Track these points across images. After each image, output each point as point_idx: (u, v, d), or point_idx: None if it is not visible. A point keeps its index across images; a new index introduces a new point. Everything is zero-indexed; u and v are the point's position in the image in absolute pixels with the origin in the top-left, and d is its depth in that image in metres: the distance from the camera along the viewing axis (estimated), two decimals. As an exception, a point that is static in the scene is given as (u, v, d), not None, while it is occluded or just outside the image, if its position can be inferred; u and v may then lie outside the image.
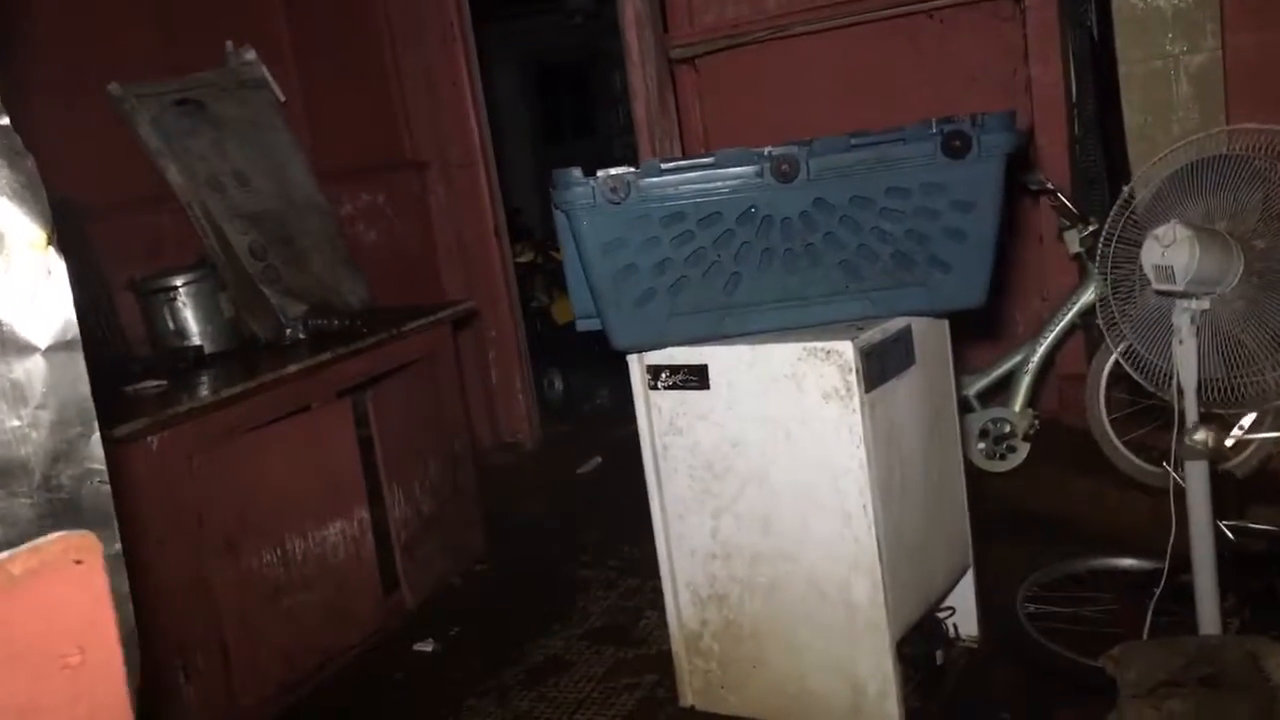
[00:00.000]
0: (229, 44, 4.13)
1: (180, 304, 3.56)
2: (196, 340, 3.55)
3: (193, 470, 2.96)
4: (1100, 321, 3.63)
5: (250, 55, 4.14)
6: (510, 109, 9.96)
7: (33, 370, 1.56)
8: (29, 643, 0.52)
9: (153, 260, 3.71)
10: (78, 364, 1.59)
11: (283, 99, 4.23)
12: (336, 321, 3.67)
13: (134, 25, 3.90)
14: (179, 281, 3.55)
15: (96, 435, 1.61)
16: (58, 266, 1.56)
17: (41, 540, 0.55)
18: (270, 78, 4.18)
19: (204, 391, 3.08)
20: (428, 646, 3.48)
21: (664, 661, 2.97)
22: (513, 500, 4.69)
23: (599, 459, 5.15)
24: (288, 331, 3.64)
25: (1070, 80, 4.02)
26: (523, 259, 6.34)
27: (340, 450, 3.44)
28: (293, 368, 3.28)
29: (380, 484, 3.61)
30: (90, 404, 1.60)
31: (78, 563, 0.57)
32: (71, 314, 1.57)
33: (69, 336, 1.57)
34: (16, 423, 1.57)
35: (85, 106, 3.62)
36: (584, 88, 11.30)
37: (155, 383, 3.18)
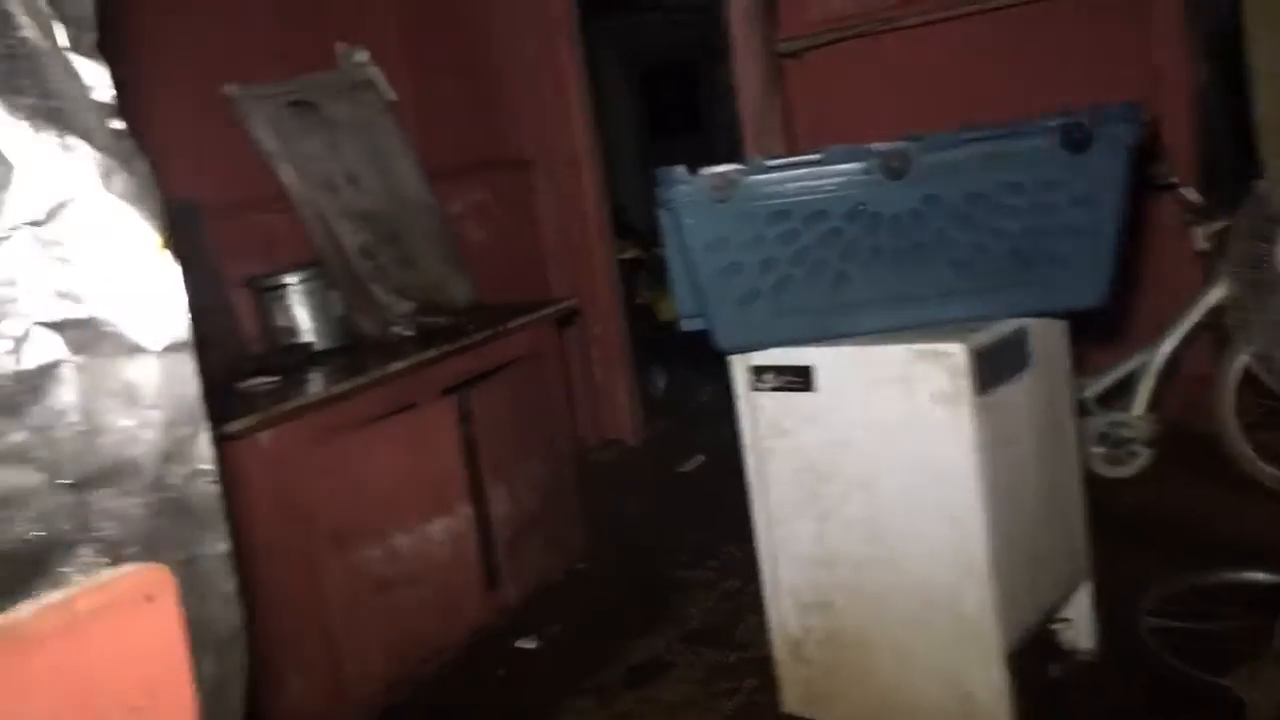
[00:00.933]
0: (341, 45, 4.19)
1: (292, 302, 3.63)
2: (307, 337, 3.62)
3: (301, 466, 3.01)
4: (1230, 322, 3.48)
5: (362, 56, 4.20)
6: (616, 105, 9.98)
7: (145, 371, 1.59)
8: (94, 688, 0.50)
9: (267, 259, 3.80)
10: (189, 365, 1.61)
11: (393, 99, 4.28)
12: (443, 319, 3.71)
13: (250, 27, 3.99)
14: (291, 280, 3.62)
15: (206, 435, 1.64)
16: (172, 269, 1.58)
17: (111, 574, 0.54)
18: (381, 78, 4.24)
19: (313, 389, 3.13)
20: (530, 644, 3.49)
21: (765, 666, 2.92)
22: (615, 498, 4.69)
23: (701, 457, 5.12)
24: (395, 329, 3.69)
25: (1198, 70, 3.84)
26: (627, 255, 6.34)
27: (444, 447, 3.47)
28: (399, 365, 3.32)
29: (483, 481, 3.63)
30: (200, 405, 1.63)
31: (149, 599, 0.55)
32: (185, 316, 1.60)
33: (181, 338, 1.60)
34: (128, 423, 1.60)
35: (205, 107, 3.71)
36: (690, 83, 11.25)
37: (267, 379, 3.24)
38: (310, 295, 3.65)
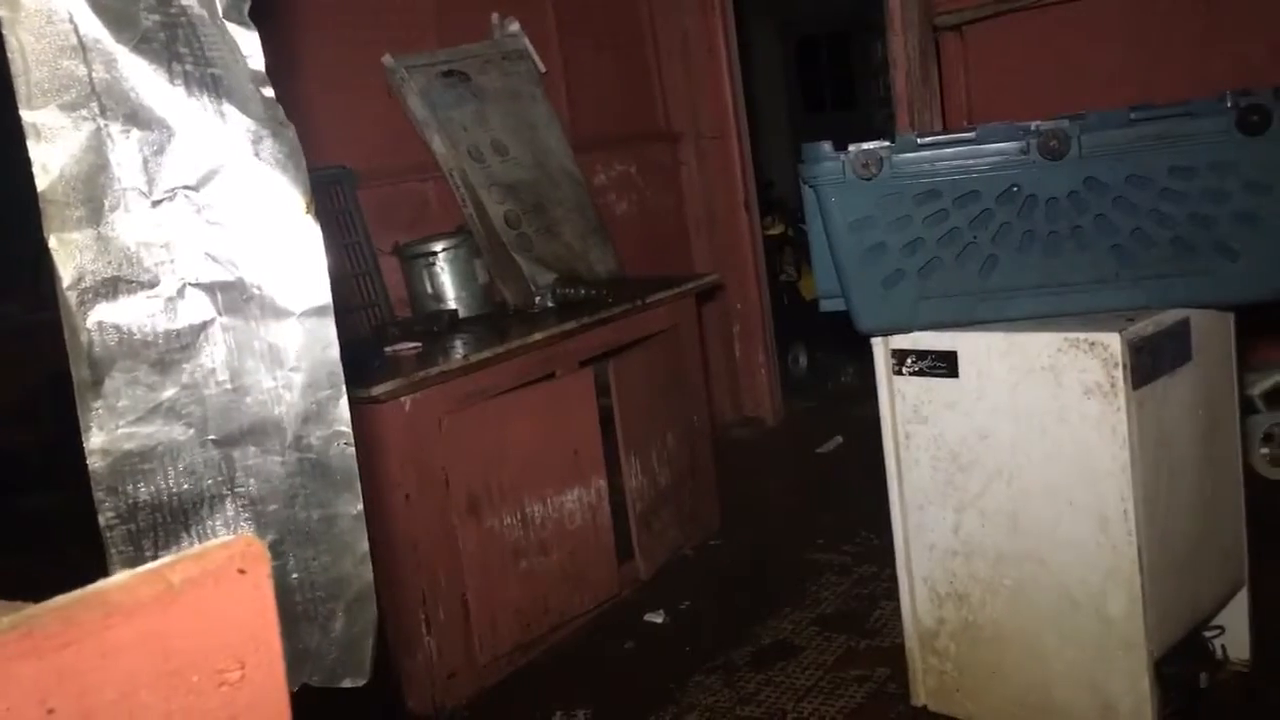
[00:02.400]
0: (495, 15, 4.24)
1: (439, 269, 3.70)
2: (452, 304, 3.68)
3: (442, 431, 3.07)
4: None
5: (514, 27, 4.24)
6: (768, 79, 9.86)
7: (288, 334, 1.63)
8: (186, 657, 0.51)
9: (416, 227, 3.88)
10: (329, 329, 1.65)
11: (543, 70, 4.31)
12: (584, 291, 3.73)
13: (408, -2, 4.07)
14: (438, 248, 3.69)
15: (344, 399, 1.67)
16: (314, 234, 1.62)
17: (205, 546, 0.55)
18: (532, 48, 4.27)
19: (456, 355, 3.18)
20: (658, 617, 3.50)
21: (897, 656, 2.86)
22: (751, 476, 4.66)
23: (840, 438, 5.04)
24: (537, 299, 3.73)
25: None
26: (772, 232, 6.27)
27: (581, 419, 3.49)
28: (539, 335, 3.35)
29: (619, 454, 3.65)
30: (339, 368, 1.67)
31: (241, 572, 0.55)
32: (325, 281, 1.63)
33: (322, 303, 1.64)
34: (271, 383, 1.65)
35: (363, 76, 3.80)
36: (845, 58, 11.03)
37: (412, 344, 3.31)
38: (455, 263, 3.71)
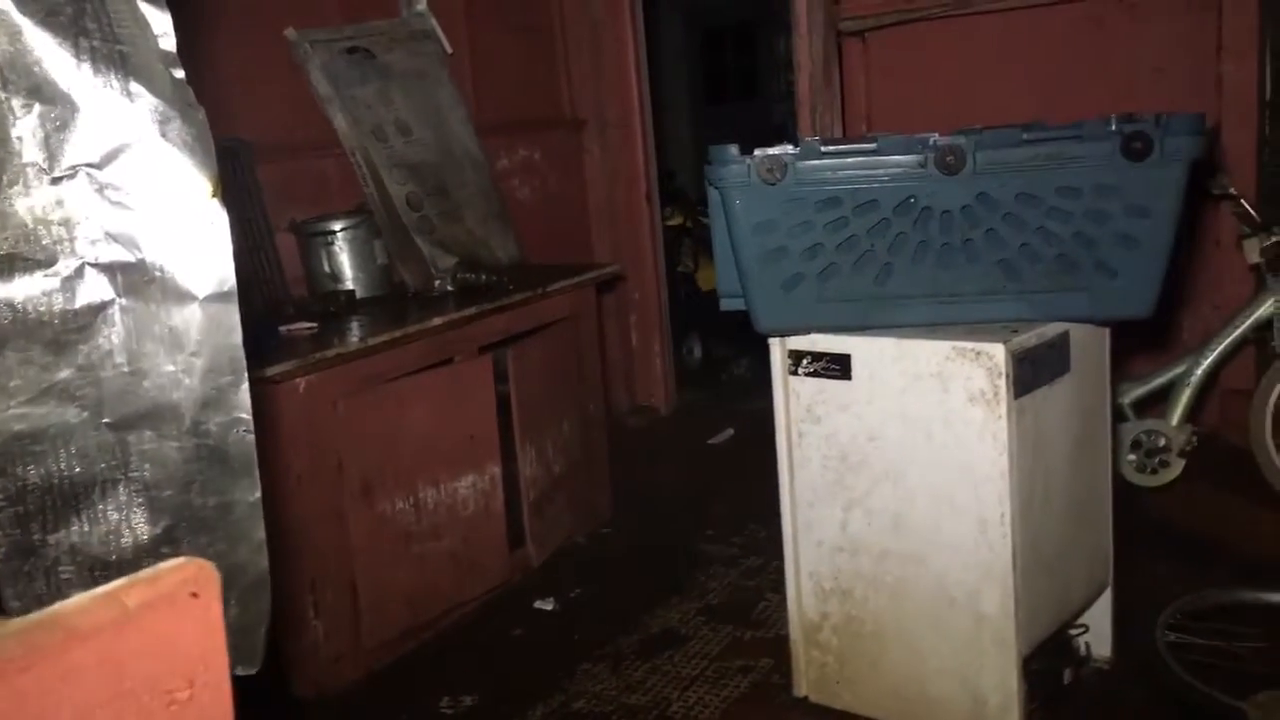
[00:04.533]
0: (403, -6, 4.19)
1: (337, 248, 3.65)
2: (349, 285, 3.64)
3: (337, 414, 3.04)
4: (1276, 340, 3.43)
5: (422, 6, 4.20)
6: (672, 67, 9.89)
7: (190, 318, 1.61)
8: (139, 679, 0.52)
9: (316, 204, 3.82)
10: (233, 314, 1.63)
11: (450, 51, 4.28)
12: (485, 276, 3.72)
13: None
14: (337, 226, 3.64)
15: (245, 385, 1.66)
16: (220, 218, 1.60)
17: (157, 568, 0.55)
18: (439, 29, 4.23)
19: (353, 338, 3.15)
20: (548, 605, 3.52)
21: (780, 647, 2.94)
22: (643, 465, 4.71)
23: (731, 431, 5.12)
24: (436, 283, 3.71)
25: (1265, 81, 3.76)
26: (672, 222, 6.32)
27: (478, 405, 3.49)
28: (439, 320, 3.34)
29: (514, 441, 3.66)
30: (241, 354, 1.65)
31: (194, 595, 0.56)
32: (230, 265, 1.62)
33: (226, 287, 1.62)
34: (171, 368, 1.63)
35: (263, 49, 3.73)
36: (749, 50, 11.14)
37: (307, 324, 3.27)
38: (354, 243, 3.67)
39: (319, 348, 3.04)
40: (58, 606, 0.49)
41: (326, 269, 3.66)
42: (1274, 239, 3.41)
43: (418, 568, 3.30)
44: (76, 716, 0.48)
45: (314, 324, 3.28)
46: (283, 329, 3.25)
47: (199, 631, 0.55)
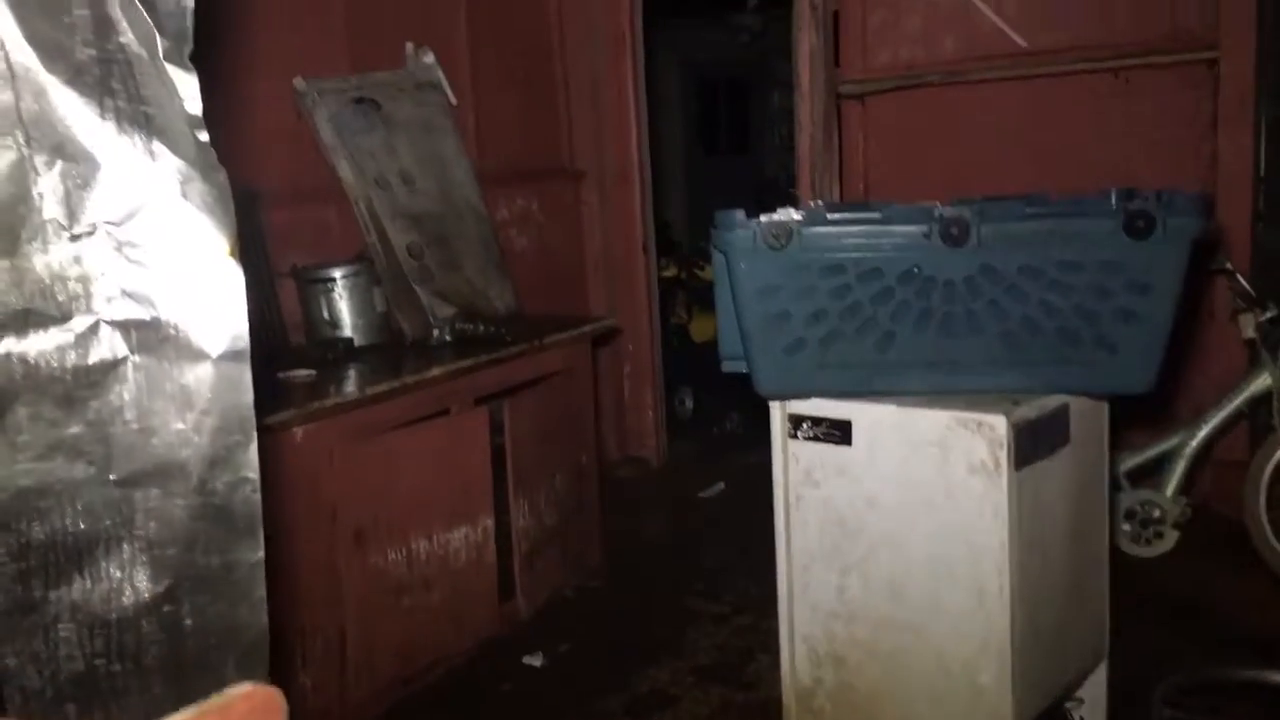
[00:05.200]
0: (409, 46, 4.22)
1: (337, 295, 3.65)
2: (348, 332, 3.64)
3: (333, 463, 3.03)
4: (1276, 419, 3.45)
5: (429, 58, 4.23)
6: (667, 116, 9.98)
7: (202, 377, 1.61)
8: None
9: (317, 251, 3.83)
10: (245, 373, 1.63)
11: (455, 103, 4.31)
12: (483, 327, 3.73)
13: (323, 20, 4.02)
14: (337, 274, 3.65)
15: (254, 445, 1.66)
16: (237, 277, 1.60)
17: (226, 696, 0.55)
18: (445, 80, 4.27)
19: (350, 387, 3.15)
20: (536, 660, 3.49)
21: (772, 709, 2.91)
22: (634, 517, 4.69)
23: (722, 484, 5.11)
24: (435, 332, 3.71)
25: (1259, 155, 3.82)
26: (667, 273, 6.35)
27: (473, 457, 3.48)
28: (436, 371, 3.34)
29: (508, 493, 3.65)
30: (252, 414, 1.65)
31: None
32: (245, 324, 1.62)
33: (240, 346, 1.62)
34: (181, 426, 1.62)
35: (271, 97, 3.75)
36: (743, 103, 11.26)
37: (305, 372, 3.26)
38: (354, 290, 3.67)
39: (317, 396, 3.03)
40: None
41: (326, 316, 3.66)
42: (1269, 315, 3.44)
43: (408, 619, 3.27)
44: None
45: (312, 371, 3.27)
46: (280, 375, 3.24)
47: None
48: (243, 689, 0.54)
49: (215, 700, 0.55)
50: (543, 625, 3.72)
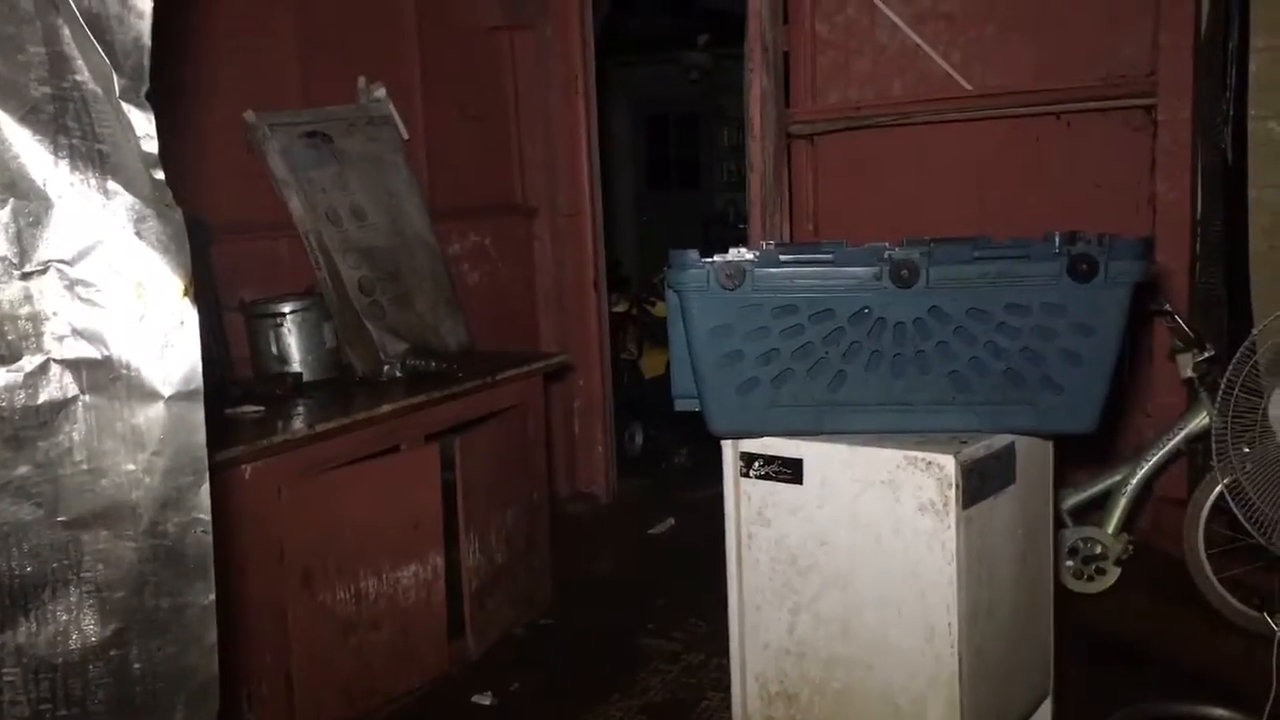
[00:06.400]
0: (361, 80, 4.22)
1: (286, 330, 3.63)
2: (297, 367, 3.61)
3: (280, 501, 2.99)
4: (1214, 458, 3.52)
5: (380, 93, 4.23)
6: (618, 152, 10.05)
7: (154, 417, 1.59)
8: None
9: (266, 285, 3.80)
10: (197, 414, 1.62)
11: (406, 137, 4.31)
12: (434, 363, 3.71)
13: (275, 53, 4.01)
14: (287, 309, 3.62)
15: (206, 486, 1.64)
16: (190, 317, 1.59)
17: None
18: (397, 115, 4.27)
19: (299, 424, 3.12)
20: (486, 699, 3.46)
21: (723, 749, 2.92)
22: (584, 554, 4.68)
23: (672, 520, 5.12)
24: (385, 368, 3.69)
25: (1196, 199, 3.93)
26: (617, 309, 6.37)
27: (424, 494, 3.46)
28: (387, 408, 3.31)
29: (458, 530, 3.62)
30: (204, 454, 1.63)
31: None
32: (198, 365, 1.61)
33: (192, 386, 1.61)
34: (131, 467, 1.60)
35: (221, 129, 3.72)
36: (693, 138, 11.37)
37: (254, 408, 3.23)
38: (304, 326, 3.65)
39: (265, 433, 3.00)
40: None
41: (274, 350, 3.62)
42: (1206, 355, 3.53)
43: (355, 659, 3.23)
44: None
45: (260, 407, 3.24)
46: (228, 411, 3.20)
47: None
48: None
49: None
50: (493, 664, 3.69)
